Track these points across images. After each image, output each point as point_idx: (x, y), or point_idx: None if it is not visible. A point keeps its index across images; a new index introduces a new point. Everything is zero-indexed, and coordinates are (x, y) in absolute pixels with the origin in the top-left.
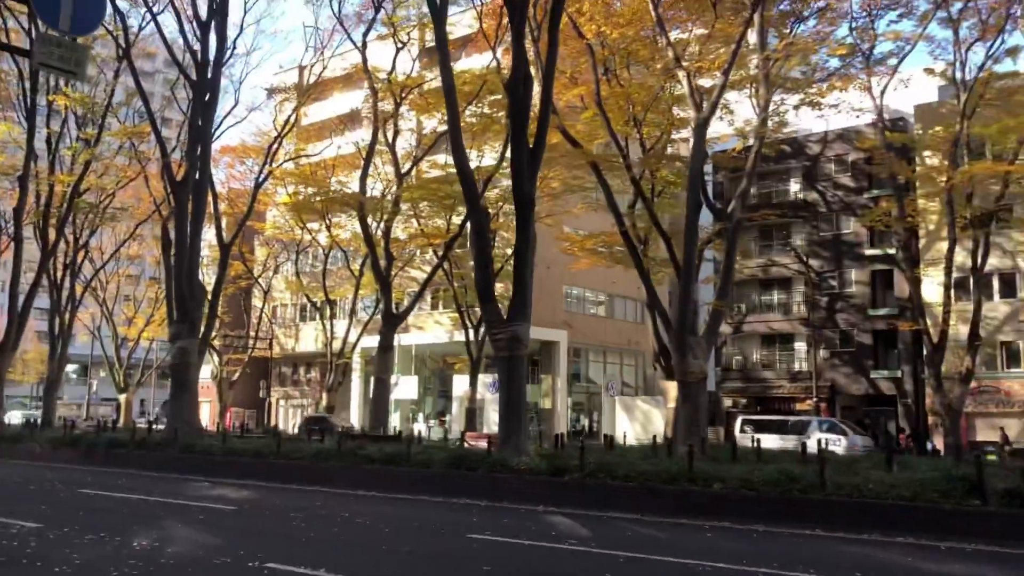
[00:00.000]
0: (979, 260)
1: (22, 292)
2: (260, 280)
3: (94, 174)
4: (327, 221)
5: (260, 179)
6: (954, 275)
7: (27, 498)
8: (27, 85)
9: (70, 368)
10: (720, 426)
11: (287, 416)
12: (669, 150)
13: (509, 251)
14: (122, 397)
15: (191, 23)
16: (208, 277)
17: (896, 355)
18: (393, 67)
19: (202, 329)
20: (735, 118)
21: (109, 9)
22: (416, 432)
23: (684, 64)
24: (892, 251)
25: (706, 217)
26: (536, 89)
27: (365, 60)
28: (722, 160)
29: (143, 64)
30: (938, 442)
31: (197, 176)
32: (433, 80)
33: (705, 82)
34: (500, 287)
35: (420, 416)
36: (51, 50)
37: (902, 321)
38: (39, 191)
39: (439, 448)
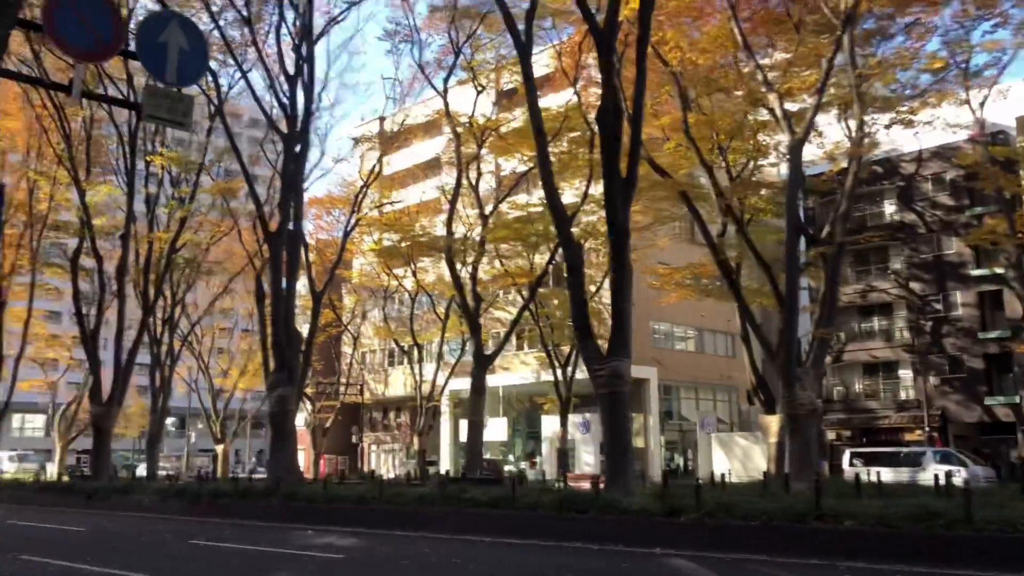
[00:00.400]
0: None
1: (123, 348)
2: (349, 327)
3: (189, 230)
4: (413, 266)
5: (348, 228)
6: None
7: (141, 550)
8: (126, 149)
9: (169, 421)
10: (823, 460)
11: (379, 461)
12: (754, 177)
13: (592, 288)
14: (219, 448)
15: (277, 79)
16: (300, 326)
17: (1012, 379)
18: (473, 110)
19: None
20: (824, 141)
21: None
22: (517, 473)
23: (774, 87)
24: (1001, 270)
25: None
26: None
27: (447, 105)
28: (813, 184)
29: (229, 124)
30: None
31: (290, 226)
32: (513, 121)
33: (791, 106)
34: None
35: (510, 458)
36: (159, 102)
37: (1017, 343)
38: (138, 249)
39: (545, 490)
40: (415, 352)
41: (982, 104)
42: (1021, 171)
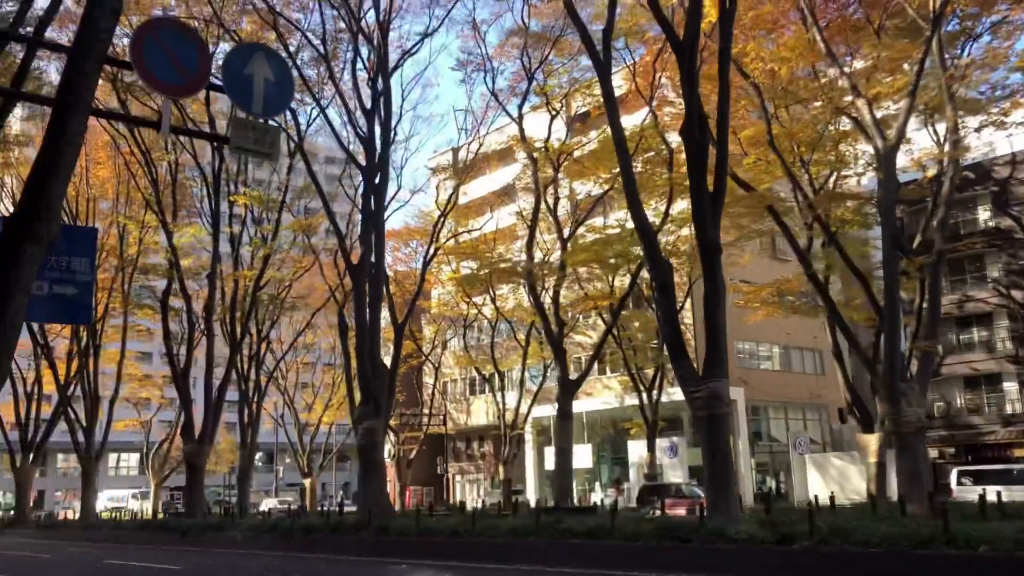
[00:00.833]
0: None
1: (212, 385)
2: (430, 357)
3: (272, 267)
4: (492, 294)
5: (427, 258)
6: None
7: None
8: (210, 190)
9: (257, 456)
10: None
11: (464, 491)
12: (838, 188)
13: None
14: (306, 482)
15: (354, 114)
16: (382, 358)
17: None
18: (548, 135)
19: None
20: (912, 147)
21: None
22: (604, 501)
23: (862, 93)
24: None
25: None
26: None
27: (522, 131)
28: (903, 193)
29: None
30: None
31: (373, 258)
32: (588, 143)
33: (877, 113)
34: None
35: (596, 485)
36: (246, 133)
37: None
38: (224, 288)
39: (643, 519)
40: (496, 380)
41: None
42: None
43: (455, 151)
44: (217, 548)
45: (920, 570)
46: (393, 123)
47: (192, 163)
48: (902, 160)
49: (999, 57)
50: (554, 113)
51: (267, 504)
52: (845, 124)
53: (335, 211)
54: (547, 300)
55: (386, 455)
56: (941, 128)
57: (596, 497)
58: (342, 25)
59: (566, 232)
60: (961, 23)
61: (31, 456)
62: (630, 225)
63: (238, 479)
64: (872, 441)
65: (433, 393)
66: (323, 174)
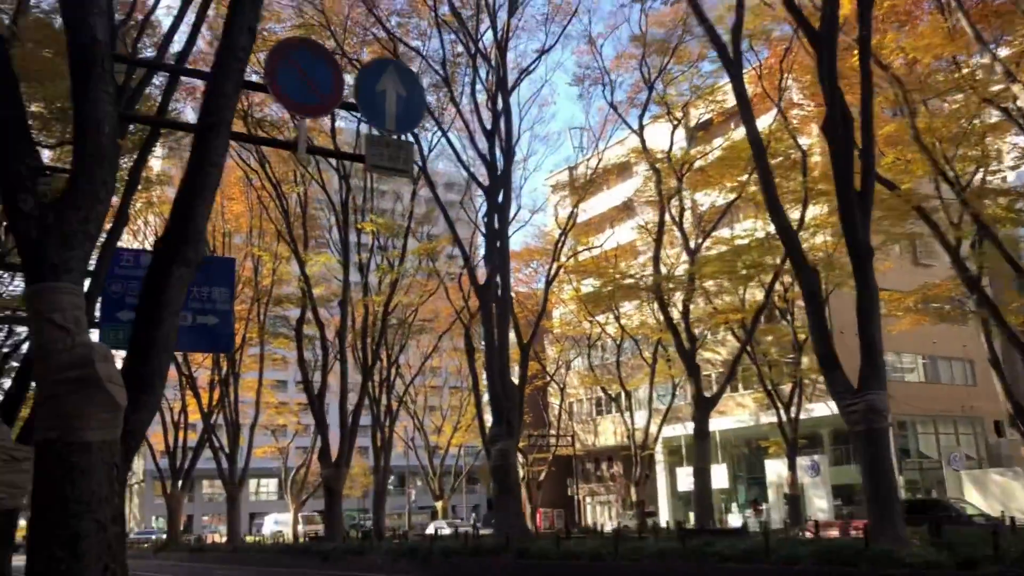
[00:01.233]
0: None
1: (347, 410)
2: (555, 377)
3: (400, 292)
4: (615, 311)
5: (549, 277)
6: None
7: None
8: (339, 219)
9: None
10: None
11: (595, 513)
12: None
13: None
14: (438, 504)
15: (475, 135)
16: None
17: None
18: (671, 144)
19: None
20: None
21: None
22: (748, 522)
23: (1018, 79)
24: None
25: None
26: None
27: (643, 142)
28: None
29: (426, 190)
30: None
31: (498, 277)
32: (710, 153)
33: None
34: (807, 360)
35: (733, 505)
36: (380, 151)
37: None
38: (354, 314)
39: (799, 542)
40: (622, 399)
41: None
42: None
43: (571, 170)
44: (356, 571)
45: None
46: (512, 141)
47: (321, 194)
48: None
49: None
50: (675, 122)
51: (434, 526)
52: (992, 118)
53: (459, 234)
54: (676, 315)
55: None
56: None
57: (733, 519)
58: (460, 49)
59: (692, 244)
60: None
61: (180, 482)
62: (758, 235)
63: (374, 502)
64: None
65: (560, 414)
66: (443, 199)
